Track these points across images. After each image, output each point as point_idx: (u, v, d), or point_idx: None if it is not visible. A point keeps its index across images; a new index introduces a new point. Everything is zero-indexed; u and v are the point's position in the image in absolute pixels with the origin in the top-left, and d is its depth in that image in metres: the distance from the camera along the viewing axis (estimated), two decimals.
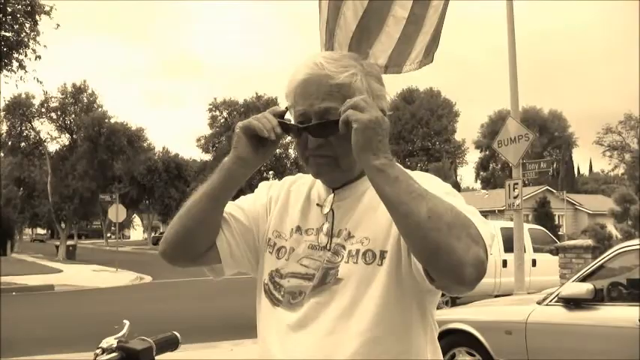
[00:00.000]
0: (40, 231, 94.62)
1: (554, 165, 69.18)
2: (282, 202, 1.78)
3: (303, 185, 1.79)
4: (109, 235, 74.71)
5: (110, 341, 1.60)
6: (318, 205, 1.71)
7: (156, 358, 1.68)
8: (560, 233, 37.25)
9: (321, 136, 1.57)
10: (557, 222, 45.71)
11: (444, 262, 1.33)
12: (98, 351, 1.56)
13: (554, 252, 14.26)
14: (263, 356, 1.67)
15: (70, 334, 10.90)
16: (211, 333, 10.90)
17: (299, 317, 1.59)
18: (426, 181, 1.52)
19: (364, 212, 1.62)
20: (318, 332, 1.55)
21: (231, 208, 1.76)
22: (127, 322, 1.67)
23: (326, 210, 1.67)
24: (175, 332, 1.81)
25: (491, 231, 1.46)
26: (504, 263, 13.39)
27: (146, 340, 1.63)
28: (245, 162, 1.63)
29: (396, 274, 1.53)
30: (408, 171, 1.46)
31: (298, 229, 1.71)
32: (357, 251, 1.58)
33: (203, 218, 1.66)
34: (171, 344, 1.77)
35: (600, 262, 5.64)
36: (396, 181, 1.38)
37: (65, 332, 11.26)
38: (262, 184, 1.87)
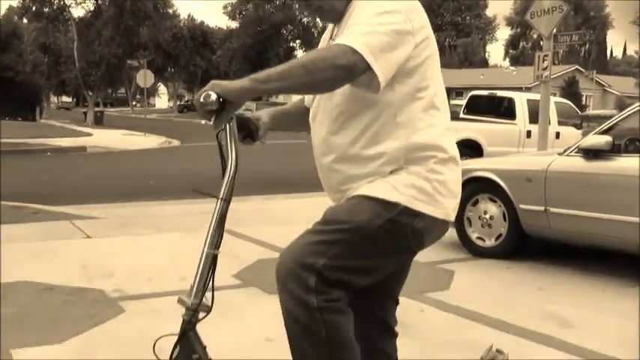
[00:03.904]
0: (66, 99, 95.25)
1: (587, 46, 67.46)
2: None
3: None
4: (134, 103, 75.25)
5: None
6: (331, 38, 2.13)
7: None
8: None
9: None
10: (584, 102, 45.27)
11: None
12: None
13: (579, 126, 14.35)
14: None
15: (108, 189, 11.33)
16: (244, 188, 11.35)
17: (314, 111, 2.16)
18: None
19: (344, 28, 2.01)
20: (321, 125, 2.10)
21: None
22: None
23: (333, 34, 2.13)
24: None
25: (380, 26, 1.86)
26: (528, 134, 13.58)
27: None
28: None
29: None
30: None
31: None
32: None
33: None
34: None
35: (620, 118, 5.78)
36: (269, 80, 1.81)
37: (103, 187, 11.66)
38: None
